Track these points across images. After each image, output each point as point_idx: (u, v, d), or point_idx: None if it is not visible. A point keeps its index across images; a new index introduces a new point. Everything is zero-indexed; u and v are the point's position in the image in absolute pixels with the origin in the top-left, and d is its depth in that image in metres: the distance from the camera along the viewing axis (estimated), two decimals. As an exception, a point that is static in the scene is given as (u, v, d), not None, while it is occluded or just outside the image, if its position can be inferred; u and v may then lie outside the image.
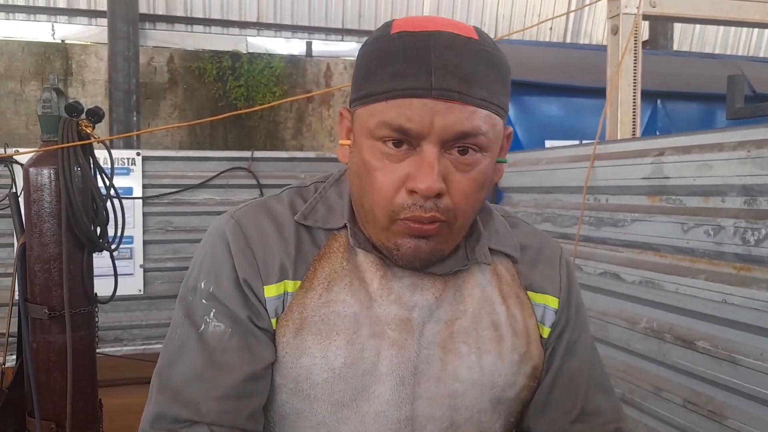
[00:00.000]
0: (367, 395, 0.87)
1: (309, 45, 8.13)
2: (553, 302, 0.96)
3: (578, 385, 0.96)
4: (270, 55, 7.90)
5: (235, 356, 0.84)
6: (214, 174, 4.31)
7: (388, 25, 0.81)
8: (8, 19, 7.17)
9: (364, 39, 0.87)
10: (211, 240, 0.90)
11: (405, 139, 0.77)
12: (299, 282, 0.87)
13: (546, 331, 0.96)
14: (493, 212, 0.99)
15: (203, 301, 0.87)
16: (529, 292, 0.96)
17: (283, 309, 0.87)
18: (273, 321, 0.87)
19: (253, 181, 4.35)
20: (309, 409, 0.87)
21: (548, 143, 3.51)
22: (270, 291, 0.87)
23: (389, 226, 0.81)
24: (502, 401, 0.93)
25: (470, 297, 0.91)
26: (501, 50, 0.82)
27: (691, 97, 3.90)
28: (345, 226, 0.89)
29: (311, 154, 4.79)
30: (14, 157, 3.88)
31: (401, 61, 0.76)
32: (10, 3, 7.05)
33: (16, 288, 2.59)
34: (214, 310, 0.86)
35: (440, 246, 0.83)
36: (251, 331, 0.86)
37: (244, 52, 7.80)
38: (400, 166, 0.78)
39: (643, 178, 2.18)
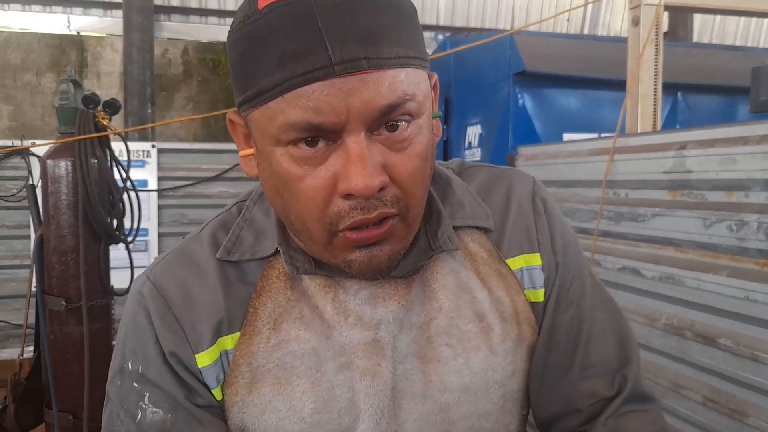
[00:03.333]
0: None
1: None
2: (536, 260, 0.81)
3: (576, 339, 0.82)
4: (284, 46, 7.89)
5: (180, 430, 0.72)
6: (229, 167, 4.32)
7: (253, 1, 0.63)
8: (24, 11, 7.19)
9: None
10: (130, 309, 0.76)
11: (319, 136, 0.62)
12: (237, 333, 0.74)
13: (540, 294, 0.81)
14: (451, 180, 0.82)
15: (134, 384, 0.74)
16: (508, 260, 0.80)
17: (226, 371, 0.75)
18: (217, 390, 0.75)
19: (268, 174, 4.34)
20: None
21: (566, 136, 3.48)
22: (203, 360, 0.73)
23: (331, 241, 0.67)
24: (508, 398, 0.80)
25: (443, 289, 0.77)
26: None
27: (712, 90, 3.83)
28: (278, 251, 0.75)
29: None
30: (31, 149, 3.90)
31: (285, 41, 0.60)
32: (26, -5, 7.08)
33: (34, 280, 2.60)
34: (148, 394, 0.73)
35: (398, 246, 0.69)
36: (193, 414, 0.73)
37: (259, 43, 7.79)
38: (324, 167, 0.63)
39: (664, 172, 2.15)
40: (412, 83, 0.64)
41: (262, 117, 0.64)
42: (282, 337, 0.74)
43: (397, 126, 0.64)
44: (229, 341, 0.74)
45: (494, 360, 0.78)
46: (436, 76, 0.74)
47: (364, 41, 0.60)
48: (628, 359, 0.84)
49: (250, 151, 0.71)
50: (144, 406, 0.73)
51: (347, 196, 0.63)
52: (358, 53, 0.59)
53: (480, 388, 0.78)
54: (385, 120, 0.63)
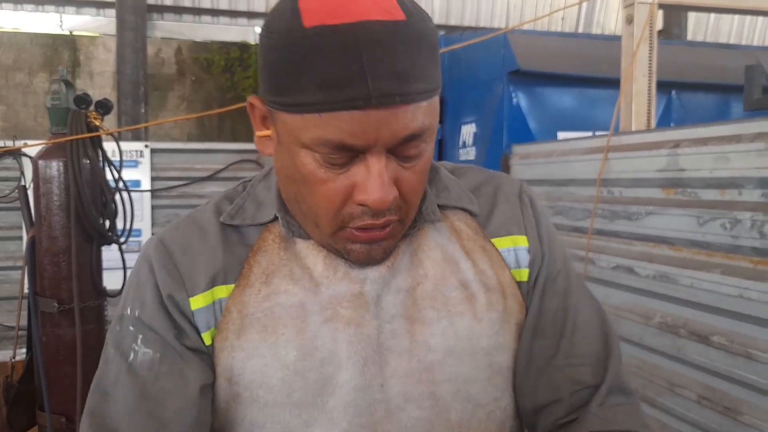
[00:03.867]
0: (331, 388, 0.79)
1: (317, 36, 8.09)
2: (521, 241, 0.87)
3: (562, 327, 0.86)
4: (278, 46, 7.87)
5: (167, 383, 0.78)
6: (223, 167, 4.30)
7: (296, 13, 0.69)
8: (16, 10, 7.15)
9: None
10: (136, 264, 0.85)
11: (347, 152, 0.71)
12: (232, 285, 0.81)
13: (524, 273, 0.87)
14: (439, 169, 0.91)
15: (130, 327, 0.81)
16: (493, 240, 0.86)
17: (217, 318, 0.81)
18: (206, 335, 0.80)
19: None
20: (271, 419, 0.79)
21: (561, 135, 3.48)
22: (197, 302, 0.80)
23: (336, 233, 0.76)
24: (495, 370, 0.84)
25: (429, 259, 0.83)
26: (428, 17, 0.72)
27: (706, 88, 3.83)
28: (276, 218, 0.84)
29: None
30: (23, 149, 3.88)
31: (329, 67, 0.66)
32: (18, -6, 7.04)
33: (26, 281, 2.59)
34: (141, 336, 0.80)
35: (393, 241, 0.79)
36: (180, 354, 0.79)
37: (253, 42, 7.77)
38: (345, 176, 0.72)
39: (657, 171, 2.15)
40: (431, 112, 0.72)
41: (294, 122, 0.71)
42: (272, 290, 0.81)
43: (414, 147, 0.73)
44: (223, 290, 0.81)
45: (479, 327, 0.82)
46: None
47: (399, 78, 0.67)
48: (610, 351, 0.88)
49: (267, 132, 0.78)
50: (136, 348, 0.79)
51: (362, 205, 0.72)
52: (393, 89, 0.67)
53: (465, 352, 0.82)
54: (406, 145, 0.71)
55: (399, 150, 0.72)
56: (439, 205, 0.86)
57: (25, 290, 2.61)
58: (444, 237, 0.85)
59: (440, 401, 0.81)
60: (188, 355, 0.80)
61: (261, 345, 0.79)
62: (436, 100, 0.74)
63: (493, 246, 0.86)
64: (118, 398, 0.78)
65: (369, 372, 0.79)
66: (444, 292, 0.82)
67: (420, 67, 0.69)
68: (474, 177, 0.92)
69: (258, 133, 0.79)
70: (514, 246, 0.87)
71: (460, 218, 0.87)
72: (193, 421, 0.78)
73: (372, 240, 0.76)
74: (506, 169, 3.18)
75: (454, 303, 0.82)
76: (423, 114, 0.71)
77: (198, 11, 7.57)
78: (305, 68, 0.67)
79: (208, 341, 0.81)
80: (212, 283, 0.81)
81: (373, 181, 0.70)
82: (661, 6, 2.71)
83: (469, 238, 0.86)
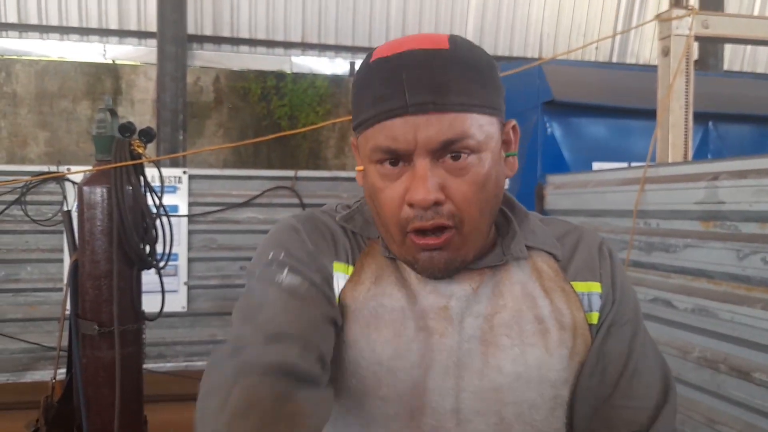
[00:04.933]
0: (417, 391, 0.87)
1: (352, 65, 8.20)
2: (596, 287, 0.94)
3: (622, 370, 0.92)
4: (314, 74, 8.00)
5: (313, 295, 0.86)
6: (258, 193, 4.36)
7: (369, 54, 0.85)
8: (62, 41, 7.41)
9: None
10: (278, 229, 0.94)
11: (398, 158, 0.82)
12: (350, 274, 0.91)
13: (595, 317, 0.94)
14: (529, 214, 1.00)
15: (274, 266, 0.88)
16: (572, 283, 0.94)
17: (337, 293, 0.90)
18: (338, 298, 0.90)
19: (296, 200, 4.38)
20: (357, 406, 0.88)
21: (596, 165, 3.46)
22: (339, 267, 0.91)
23: (403, 241, 0.84)
24: (559, 403, 0.90)
25: (509, 293, 0.91)
26: (480, 50, 0.85)
27: (744, 119, 3.78)
28: (380, 237, 0.93)
29: (354, 174, 4.82)
30: (67, 175, 3.99)
31: (379, 86, 0.81)
32: (64, 25, 7.29)
33: (68, 303, 2.65)
34: (287, 268, 0.87)
35: (455, 254, 0.85)
36: (323, 290, 0.87)
37: (289, 71, 7.91)
38: (399, 182, 0.82)
39: (696, 203, 2.14)
40: (474, 125, 0.81)
41: (363, 140, 0.85)
42: (380, 291, 0.90)
43: (459, 157, 0.81)
44: (350, 269, 0.91)
45: (549, 360, 0.89)
46: (514, 122, 0.92)
47: (433, 91, 0.78)
48: (667, 401, 0.93)
49: (361, 167, 0.90)
50: (283, 275, 0.86)
51: (411, 205, 0.81)
52: (426, 99, 0.78)
53: (533, 380, 0.88)
54: (448, 150, 0.80)
55: (444, 155, 0.81)
56: (526, 246, 0.94)
57: (67, 312, 2.67)
58: (526, 275, 0.93)
59: (505, 421, 0.88)
60: (330, 293, 0.88)
61: (361, 339, 0.88)
62: (486, 119, 0.83)
63: (572, 288, 0.93)
64: (269, 307, 0.83)
65: (449, 381, 0.87)
66: (520, 323, 0.89)
67: (458, 84, 0.80)
68: (560, 227, 1.01)
69: (357, 168, 0.92)
70: (589, 291, 0.94)
71: (544, 260, 0.95)
72: (330, 336, 0.85)
73: (429, 246, 0.83)
74: (540, 199, 3.18)
75: (528, 335, 0.89)
76: (464, 125, 0.80)
77: (236, 41, 7.74)
78: (366, 91, 0.83)
79: (337, 301, 0.90)
80: (347, 259, 0.92)
81: (417, 182, 0.80)
82: (697, 38, 2.71)
83: (550, 279, 0.94)
